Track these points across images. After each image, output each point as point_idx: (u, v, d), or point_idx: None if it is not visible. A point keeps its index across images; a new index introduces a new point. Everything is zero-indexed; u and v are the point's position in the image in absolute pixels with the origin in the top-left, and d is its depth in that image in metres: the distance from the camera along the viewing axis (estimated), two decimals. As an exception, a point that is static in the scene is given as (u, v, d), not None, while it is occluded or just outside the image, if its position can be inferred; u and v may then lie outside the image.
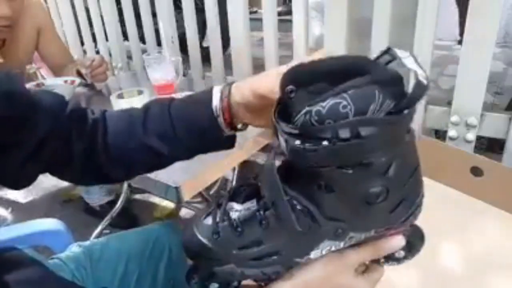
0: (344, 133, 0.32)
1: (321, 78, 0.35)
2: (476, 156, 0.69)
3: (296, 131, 0.34)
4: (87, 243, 0.76)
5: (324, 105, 0.32)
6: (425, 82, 0.31)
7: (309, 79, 0.35)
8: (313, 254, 0.42)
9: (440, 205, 0.69)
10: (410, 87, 0.32)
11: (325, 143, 0.32)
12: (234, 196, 0.46)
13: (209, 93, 0.54)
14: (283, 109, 0.37)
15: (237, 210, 0.44)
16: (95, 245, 0.74)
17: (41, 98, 0.55)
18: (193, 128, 0.54)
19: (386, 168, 0.35)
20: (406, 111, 0.33)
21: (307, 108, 0.32)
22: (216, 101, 0.52)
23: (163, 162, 0.59)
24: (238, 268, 0.43)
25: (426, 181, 0.71)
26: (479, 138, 1.00)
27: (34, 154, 0.53)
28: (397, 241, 0.43)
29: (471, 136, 0.98)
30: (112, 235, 0.80)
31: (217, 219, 0.44)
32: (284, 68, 0.47)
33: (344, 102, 0.31)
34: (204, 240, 0.44)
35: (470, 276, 0.60)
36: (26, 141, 0.51)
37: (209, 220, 0.46)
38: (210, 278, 0.46)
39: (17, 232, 0.88)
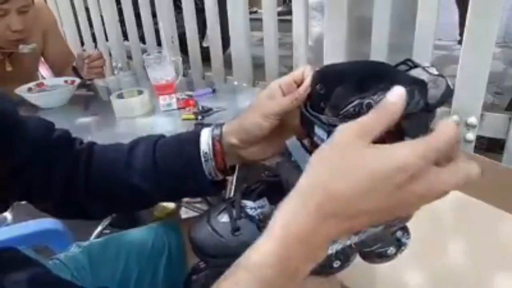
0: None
1: (347, 79, 0.38)
2: (476, 156, 0.69)
3: (341, 123, 0.35)
4: (86, 243, 0.76)
5: (375, 98, 0.34)
6: (451, 86, 0.36)
7: (337, 79, 0.38)
8: (330, 249, 0.43)
9: (440, 205, 0.69)
10: (430, 93, 0.36)
11: None
12: (246, 194, 0.47)
13: (196, 137, 0.52)
14: (311, 105, 0.40)
15: (251, 207, 0.46)
16: (95, 245, 0.74)
17: (27, 123, 0.54)
18: (176, 171, 0.52)
19: None
20: (436, 110, 0.37)
21: (358, 101, 0.35)
22: (205, 146, 0.51)
23: (143, 201, 0.57)
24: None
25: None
26: (479, 138, 1.00)
27: (7, 180, 0.51)
28: (399, 88, 0.33)
29: (471, 136, 0.98)
30: (111, 235, 0.80)
31: (235, 216, 0.45)
32: (282, 80, 0.48)
33: None
34: (224, 237, 0.44)
35: (469, 275, 0.60)
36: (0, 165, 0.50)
37: (224, 217, 0.46)
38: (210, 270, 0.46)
39: (17, 232, 0.88)
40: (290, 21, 1.24)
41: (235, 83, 1.49)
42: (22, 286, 0.41)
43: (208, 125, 0.54)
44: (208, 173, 0.52)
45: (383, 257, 0.48)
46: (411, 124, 0.35)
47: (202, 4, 1.46)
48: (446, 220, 0.67)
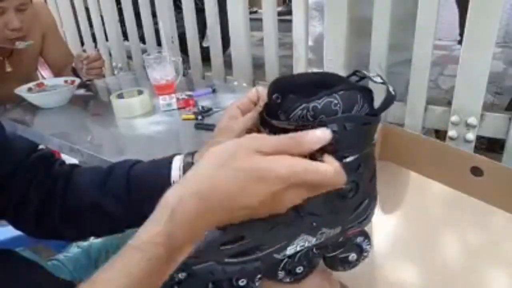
0: (333, 127, 0.38)
1: (300, 88, 0.42)
2: (476, 156, 0.69)
3: (291, 127, 0.39)
4: (86, 243, 0.76)
5: (320, 102, 0.38)
6: (393, 92, 0.40)
7: (291, 89, 0.42)
8: (288, 250, 0.44)
9: (440, 205, 0.69)
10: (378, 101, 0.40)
11: None
12: None
13: (168, 165, 0.53)
14: (268, 113, 0.43)
15: None
16: (94, 245, 0.75)
17: (10, 143, 0.55)
18: (148, 200, 0.53)
19: (358, 165, 0.41)
20: (379, 115, 0.40)
21: (304, 104, 0.38)
22: (176, 177, 0.52)
23: (116, 226, 0.58)
24: (219, 266, 0.44)
25: (426, 181, 0.71)
26: (479, 138, 0.99)
27: (12, 178, 0.52)
28: (323, 133, 0.36)
29: (471, 136, 0.98)
30: (111, 235, 0.80)
31: None
32: (239, 102, 0.51)
33: (335, 101, 0.38)
34: None
35: (469, 275, 0.60)
36: None
37: None
38: (188, 279, 0.46)
39: (17, 232, 0.87)
40: (290, 21, 1.23)
41: (235, 83, 1.49)
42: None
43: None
44: None
45: (345, 263, 0.49)
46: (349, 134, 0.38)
47: (202, 4, 1.46)
48: (445, 220, 0.67)
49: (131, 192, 0.53)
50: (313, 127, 0.37)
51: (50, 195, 0.55)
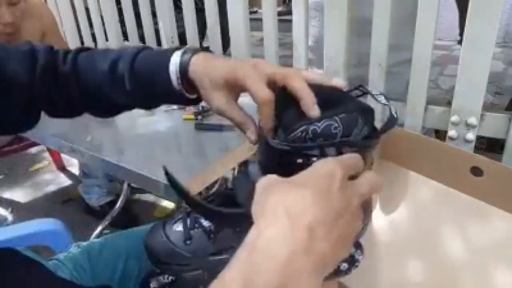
0: (330, 152, 0.37)
1: (298, 102, 0.40)
2: (476, 156, 0.69)
3: (287, 148, 0.38)
4: (86, 243, 0.76)
5: (320, 125, 0.37)
6: (395, 115, 0.39)
7: (288, 101, 0.40)
8: None
9: (440, 205, 0.69)
10: (379, 119, 0.37)
11: (314, 159, 0.37)
12: None
13: (167, 61, 0.53)
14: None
15: None
16: (94, 245, 0.75)
17: (8, 60, 0.58)
18: (152, 95, 0.57)
19: None
20: (380, 137, 0.39)
21: (304, 127, 0.37)
22: (173, 73, 0.53)
23: (125, 109, 0.68)
24: (205, 273, 0.44)
25: (426, 181, 0.71)
26: (479, 138, 0.99)
27: (33, 94, 0.58)
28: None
29: (471, 136, 0.98)
30: (110, 235, 0.80)
31: (188, 226, 0.46)
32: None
33: (335, 124, 0.37)
34: (176, 246, 0.44)
35: (469, 276, 0.60)
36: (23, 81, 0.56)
37: (179, 226, 0.47)
38: (177, 282, 0.47)
39: (17, 232, 0.88)
40: (290, 21, 1.23)
41: (235, 83, 1.49)
42: (21, 286, 0.41)
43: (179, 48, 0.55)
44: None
45: (337, 273, 0.49)
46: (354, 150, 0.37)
47: (202, 4, 1.46)
48: (445, 220, 0.67)
49: (135, 87, 0.56)
50: (310, 149, 0.37)
51: (70, 93, 0.60)
